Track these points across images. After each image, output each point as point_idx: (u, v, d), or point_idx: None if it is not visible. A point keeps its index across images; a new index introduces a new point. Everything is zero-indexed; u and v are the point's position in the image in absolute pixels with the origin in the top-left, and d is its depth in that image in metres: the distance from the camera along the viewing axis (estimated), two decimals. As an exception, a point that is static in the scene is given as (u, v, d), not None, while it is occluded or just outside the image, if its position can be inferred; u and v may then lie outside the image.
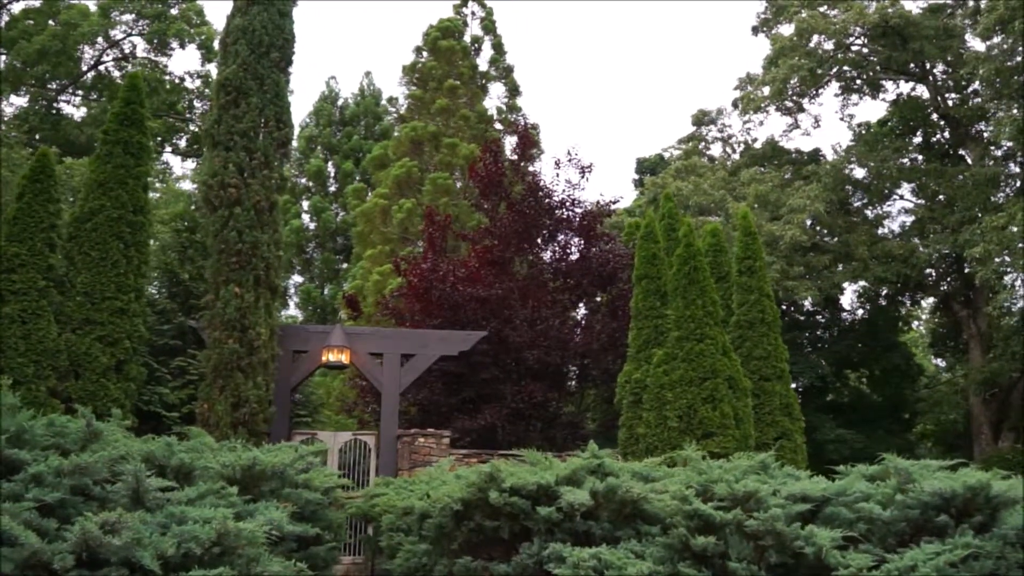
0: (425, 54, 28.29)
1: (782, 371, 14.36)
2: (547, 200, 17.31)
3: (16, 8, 33.90)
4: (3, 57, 33.73)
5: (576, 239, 17.40)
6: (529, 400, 16.07)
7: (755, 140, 41.47)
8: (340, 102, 37.54)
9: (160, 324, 14.58)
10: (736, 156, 42.00)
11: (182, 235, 15.75)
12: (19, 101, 35.50)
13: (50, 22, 34.26)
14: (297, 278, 35.60)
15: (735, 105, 41.61)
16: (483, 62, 28.92)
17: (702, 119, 44.07)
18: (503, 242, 17.23)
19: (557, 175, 17.79)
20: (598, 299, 17.68)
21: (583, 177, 17.72)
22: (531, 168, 17.86)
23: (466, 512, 8.69)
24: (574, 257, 17.31)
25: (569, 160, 17.84)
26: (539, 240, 17.49)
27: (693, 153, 42.55)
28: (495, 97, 28.76)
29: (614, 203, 18.21)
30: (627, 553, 7.56)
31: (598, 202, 17.62)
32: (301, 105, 41.80)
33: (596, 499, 8.41)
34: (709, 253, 15.17)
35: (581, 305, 17.85)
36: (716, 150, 44.52)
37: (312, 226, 35.88)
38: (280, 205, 14.01)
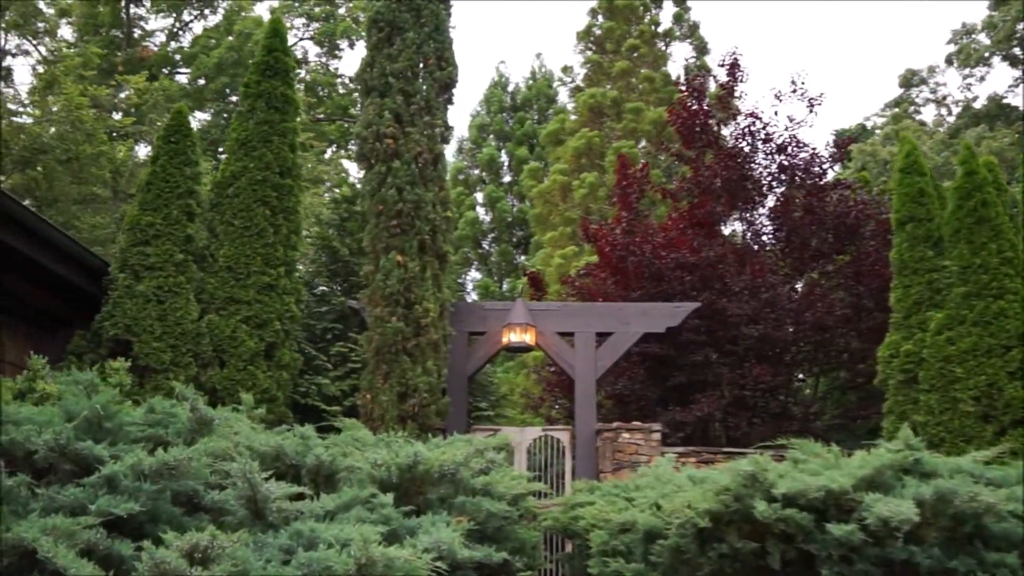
0: (600, 17, 25.71)
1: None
2: (766, 143, 14.21)
3: (197, 28, 34.16)
4: (185, 73, 33.98)
5: (802, 189, 14.18)
6: (754, 386, 13.05)
7: (975, 98, 36.47)
8: (511, 88, 35.63)
9: (318, 306, 12.72)
10: (952, 119, 37.09)
11: (340, 207, 13.88)
12: (203, 116, 35.66)
13: (228, 37, 34.20)
14: (475, 273, 33.88)
15: (949, 61, 36.70)
16: (665, 19, 26.01)
17: (910, 80, 39.22)
18: (711, 197, 14.28)
19: (776, 113, 14.46)
20: (831, 261, 14.37)
21: (811, 111, 14.49)
22: (742, 107, 14.79)
23: (715, 530, 5.95)
24: (798, 214, 14.10)
25: (793, 91, 14.65)
26: (756, 192, 14.40)
27: (903, 117, 37.87)
28: (679, 61, 25.79)
29: (854, 140, 14.86)
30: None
31: (837, 139, 14.27)
32: (471, 93, 40.35)
33: (923, 512, 5.46)
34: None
35: (812, 269, 14.60)
36: (928, 113, 39.51)
37: (487, 219, 34.09)
38: (445, 157, 11.81)
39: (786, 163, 14.24)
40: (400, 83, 11.46)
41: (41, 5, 18.44)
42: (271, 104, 11.27)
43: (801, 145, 14.20)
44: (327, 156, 32.52)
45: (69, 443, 5.13)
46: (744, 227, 14.79)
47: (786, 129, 14.31)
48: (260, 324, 10.38)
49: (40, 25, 19.30)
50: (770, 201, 14.56)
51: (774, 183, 14.44)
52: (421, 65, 11.71)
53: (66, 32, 29.15)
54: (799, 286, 14.98)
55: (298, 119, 11.97)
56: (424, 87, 11.61)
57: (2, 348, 9.59)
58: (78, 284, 9.94)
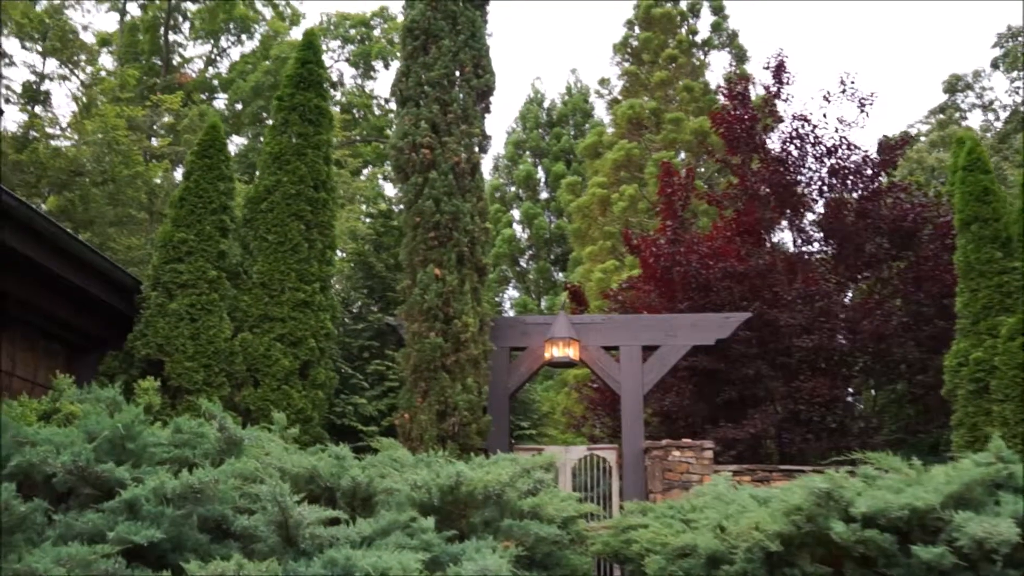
0: (637, 28, 25.31)
1: None
2: (815, 147, 13.65)
3: (235, 54, 34.40)
4: (222, 98, 34.18)
5: (855, 193, 13.60)
6: (809, 400, 12.45)
7: (1023, 102, 35.61)
8: (546, 104, 35.35)
9: (354, 324, 12.38)
10: (999, 124, 36.16)
11: (376, 221, 13.57)
12: (240, 140, 35.83)
13: (265, 62, 34.37)
14: (512, 291, 33.48)
15: (995, 65, 35.83)
16: (703, 29, 25.52)
17: (955, 85, 38.36)
18: (758, 204, 13.74)
19: (824, 116, 13.88)
20: (887, 267, 13.74)
21: (862, 112, 13.90)
22: (787, 108, 14.25)
23: (786, 554, 5.45)
24: (851, 219, 13.50)
25: (842, 91, 14.07)
26: (806, 198, 13.83)
27: (948, 123, 37.04)
28: (718, 70, 25.28)
29: (905, 143, 14.24)
30: None
31: (885, 143, 13.69)
32: (506, 110, 40.05)
33: None
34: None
35: (868, 276, 13.96)
36: (974, 119, 38.61)
37: (524, 236, 33.72)
38: (482, 167, 11.45)
39: (837, 166, 13.66)
40: (436, 92, 11.15)
41: (81, 31, 18.48)
42: (305, 117, 11.02)
43: (852, 147, 13.62)
44: (363, 177, 32.45)
45: (89, 465, 4.79)
46: (794, 234, 14.21)
47: (836, 131, 13.75)
48: (295, 342, 10.06)
49: (82, 56, 19.37)
50: (820, 206, 13.97)
51: (824, 188, 13.86)
52: (458, 73, 11.39)
53: (106, 61, 29.49)
54: (853, 294, 14.35)
55: (332, 132, 11.74)
56: (461, 95, 11.28)
57: (37, 369, 9.38)
58: (112, 304, 9.70)
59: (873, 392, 14.50)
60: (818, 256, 14.26)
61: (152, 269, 9.78)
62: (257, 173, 11.24)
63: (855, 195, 13.79)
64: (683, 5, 25.57)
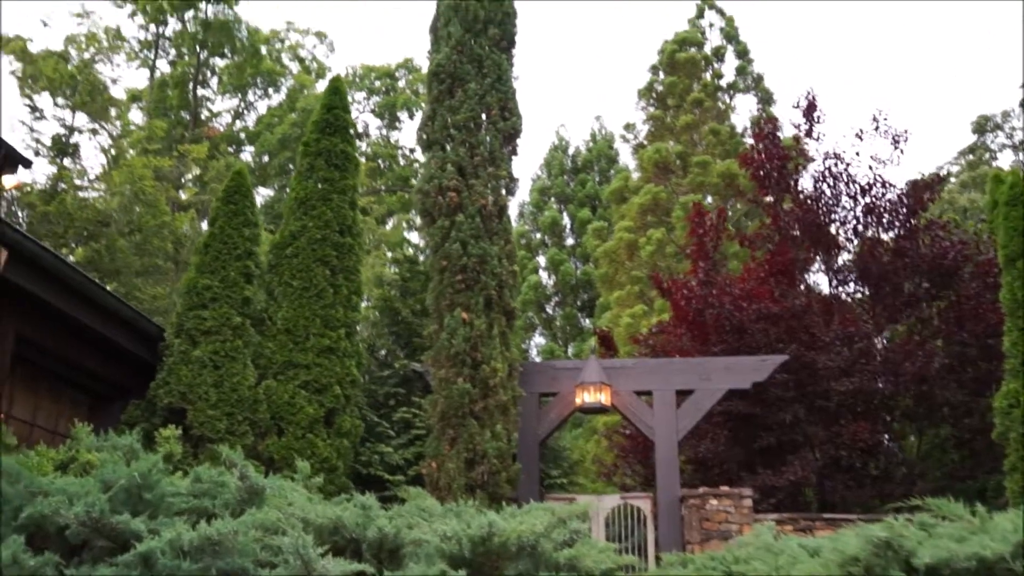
0: (662, 73, 25.31)
1: None
2: (849, 185, 13.38)
3: (262, 107, 34.83)
4: (249, 151, 34.53)
5: (891, 232, 13.28)
6: (851, 445, 12.00)
7: (1054, 142, 35.24)
8: (571, 150, 35.38)
9: (380, 370, 12.16)
10: (1031, 163, 35.78)
11: (402, 266, 13.42)
12: (266, 192, 36.10)
13: (291, 114, 34.74)
14: (539, 338, 33.16)
15: (1024, 105, 35.56)
16: (728, 72, 25.47)
17: (983, 126, 38.04)
18: (791, 244, 13.45)
19: (857, 154, 13.63)
20: (927, 307, 13.34)
21: (896, 148, 13.64)
22: (818, 147, 14.01)
23: (844, 610, 5.08)
24: (887, 258, 13.15)
25: (875, 128, 13.81)
26: (840, 237, 13.53)
27: (978, 164, 36.66)
28: (744, 113, 25.17)
29: (940, 180, 13.92)
30: None
31: (919, 182, 13.38)
32: (531, 157, 40.10)
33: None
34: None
35: (907, 316, 13.56)
36: (1004, 159, 38.23)
37: (550, 283, 33.50)
38: (508, 210, 11.29)
39: (871, 205, 13.37)
40: (462, 135, 11.04)
41: (111, 84, 18.71)
42: (331, 162, 10.96)
43: (887, 185, 13.33)
44: (388, 226, 32.51)
45: (103, 516, 4.56)
46: (829, 275, 13.87)
47: (870, 168, 13.48)
48: (319, 389, 9.85)
49: (112, 111, 19.60)
50: (855, 245, 13.64)
51: (859, 226, 13.55)
52: (484, 116, 11.30)
53: (136, 116, 29.91)
54: (891, 335, 13.93)
55: (358, 177, 11.66)
56: (487, 138, 11.17)
57: (59, 418, 9.24)
58: (137, 352, 9.60)
59: (916, 437, 13.99)
60: (855, 297, 13.89)
61: (176, 316, 9.66)
62: (283, 219, 11.15)
63: (891, 234, 13.46)
64: (707, 50, 25.57)
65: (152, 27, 29.67)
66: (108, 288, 10.65)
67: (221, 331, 9.52)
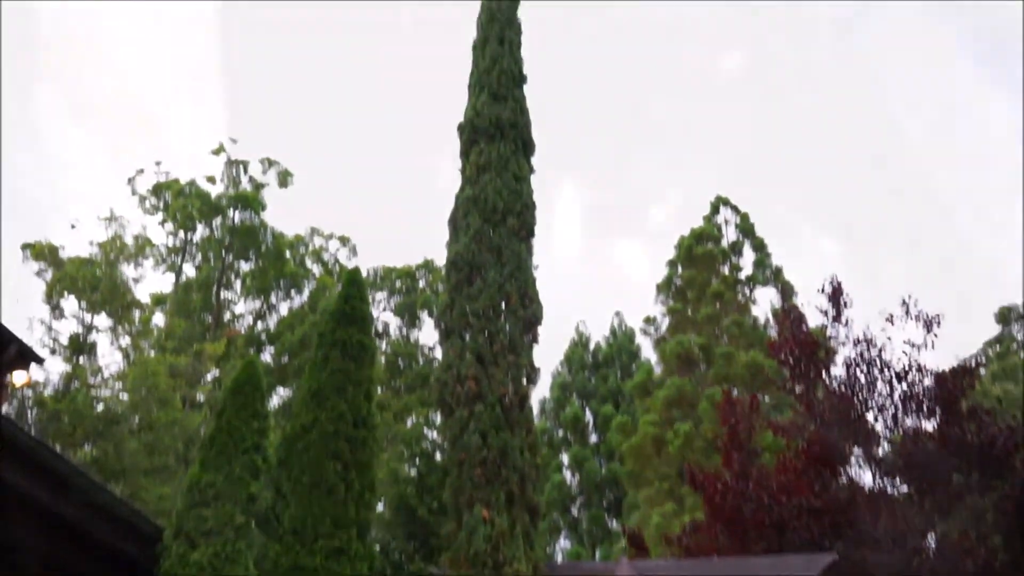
0: (680, 267, 25.51)
1: None
2: (883, 371, 12.88)
3: (283, 308, 35.35)
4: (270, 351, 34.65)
5: (932, 421, 12.63)
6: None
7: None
8: (592, 346, 35.26)
9: (395, 573, 11.28)
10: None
11: (419, 462, 12.80)
12: (285, 392, 35.95)
13: (312, 315, 35.16)
14: (564, 542, 31.59)
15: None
16: (746, 266, 25.65)
17: (1007, 316, 38.09)
18: (828, 433, 12.78)
19: (889, 339, 13.25)
20: (979, 499, 12.42)
21: (929, 333, 13.21)
22: (847, 333, 13.64)
23: None
24: (931, 447, 12.42)
25: (905, 312, 13.46)
26: (879, 425, 12.87)
27: (1006, 355, 36.33)
28: (764, 304, 25.09)
29: (979, 366, 13.42)
30: None
31: (957, 368, 12.88)
32: (552, 354, 40.05)
33: None
34: None
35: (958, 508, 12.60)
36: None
37: (574, 482, 32.35)
38: (530, 400, 10.83)
39: (909, 392, 12.80)
40: (481, 323, 10.79)
41: (132, 284, 18.93)
42: (346, 353, 10.64)
43: (924, 371, 12.82)
44: (408, 424, 31.90)
45: None
46: (872, 465, 13.08)
47: (904, 354, 13.04)
48: (327, 597, 9.03)
49: (135, 313, 19.73)
50: (894, 432, 12.96)
51: (898, 414, 12.92)
52: (503, 304, 11.09)
53: (159, 319, 30.25)
54: (944, 531, 12.92)
55: (374, 369, 11.32)
56: (507, 326, 10.91)
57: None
58: (132, 554, 8.92)
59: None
60: (900, 489, 13.03)
61: (175, 516, 9.02)
62: (294, 412, 10.72)
63: (932, 422, 12.81)
64: (724, 244, 25.89)
65: (181, 233, 30.61)
66: (110, 488, 10.13)
67: (223, 531, 8.84)
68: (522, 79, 12.91)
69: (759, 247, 25.88)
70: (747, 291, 25.57)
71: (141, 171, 29.19)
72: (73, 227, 19.40)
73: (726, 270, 25.43)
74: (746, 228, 26.29)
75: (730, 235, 26.63)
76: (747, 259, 25.90)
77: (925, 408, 12.79)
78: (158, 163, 29.46)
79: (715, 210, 27.02)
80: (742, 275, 25.61)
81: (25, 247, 18.41)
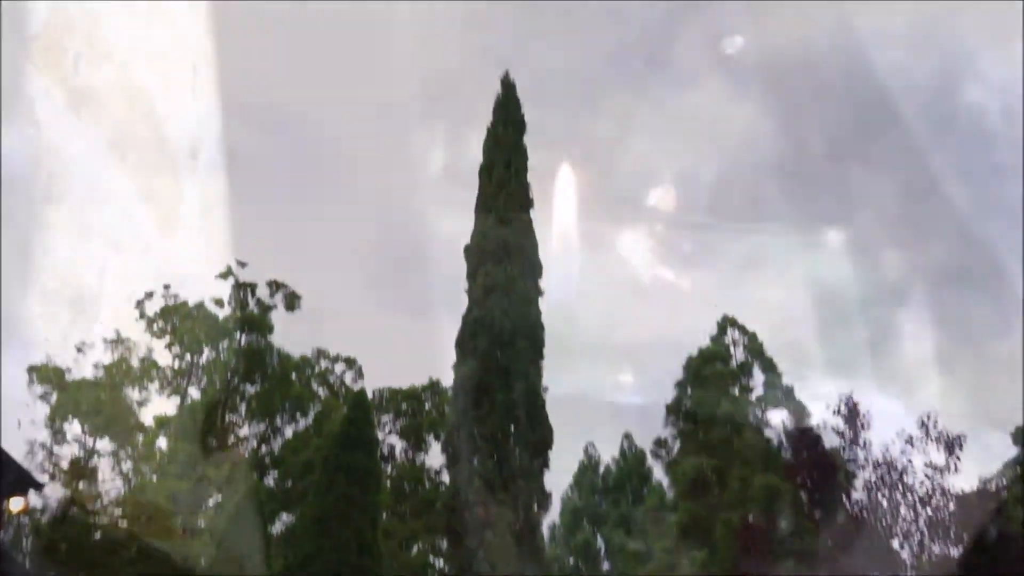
0: (689, 388, 25.15)
1: None
2: (906, 494, 12.45)
3: (288, 431, 34.89)
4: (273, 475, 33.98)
5: (959, 547, 12.11)
6: None
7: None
8: (601, 469, 34.57)
9: None
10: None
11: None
12: (288, 518, 35.12)
13: (317, 438, 34.64)
14: None
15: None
16: (757, 387, 25.28)
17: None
18: (851, 561, 12.24)
19: (910, 461, 12.90)
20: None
21: (951, 454, 12.83)
22: (865, 456, 13.25)
23: None
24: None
25: (925, 433, 13.10)
26: (904, 552, 12.34)
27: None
28: (776, 422, 24.60)
29: (1001, 489, 12.97)
30: None
31: (982, 491, 12.45)
32: (561, 476, 39.30)
33: None
34: None
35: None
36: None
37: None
38: (541, 528, 10.44)
39: (934, 517, 12.33)
40: (489, 446, 10.54)
41: (136, 407, 18.71)
42: (352, 477, 10.43)
43: (948, 494, 12.39)
44: (413, 552, 30.93)
45: None
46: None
47: (927, 477, 12.61)
48: None
49: (139, 437, 19.46)
50: (913, 553, 12.41)
51: (923, 540, 12.41)
52: (512, 427, 10.85)
53: (162, 442, 29.81)
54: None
55: (381, 494, 11.02)
56: (516, 450, 10.65)
57: None
58: None
59: None
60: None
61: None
62: (295, 541, 10.37)
63: (959, 548, 12.28)
64: (734, 364, 25.61)
65: (187, 356, 30.47)
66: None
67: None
68: (529, 203, 13.07)
69: (769, 367, 25.57)
70: (759, 412, 25.12)
71: (150, 295, 29.35)
72: (80, 350, 19.34)
73: (736, 391, 25.08)
74: (754, 348, 26.07)
75: (739, 355, 26.38)
76: (757, 380, 25.56)
77: (952, 534, 12.30)
78: (167, 286, 29.62)
79: (722, 330, 26.86)
80: (753, 396, 25.22)
81: (31, 370, 18.30)
